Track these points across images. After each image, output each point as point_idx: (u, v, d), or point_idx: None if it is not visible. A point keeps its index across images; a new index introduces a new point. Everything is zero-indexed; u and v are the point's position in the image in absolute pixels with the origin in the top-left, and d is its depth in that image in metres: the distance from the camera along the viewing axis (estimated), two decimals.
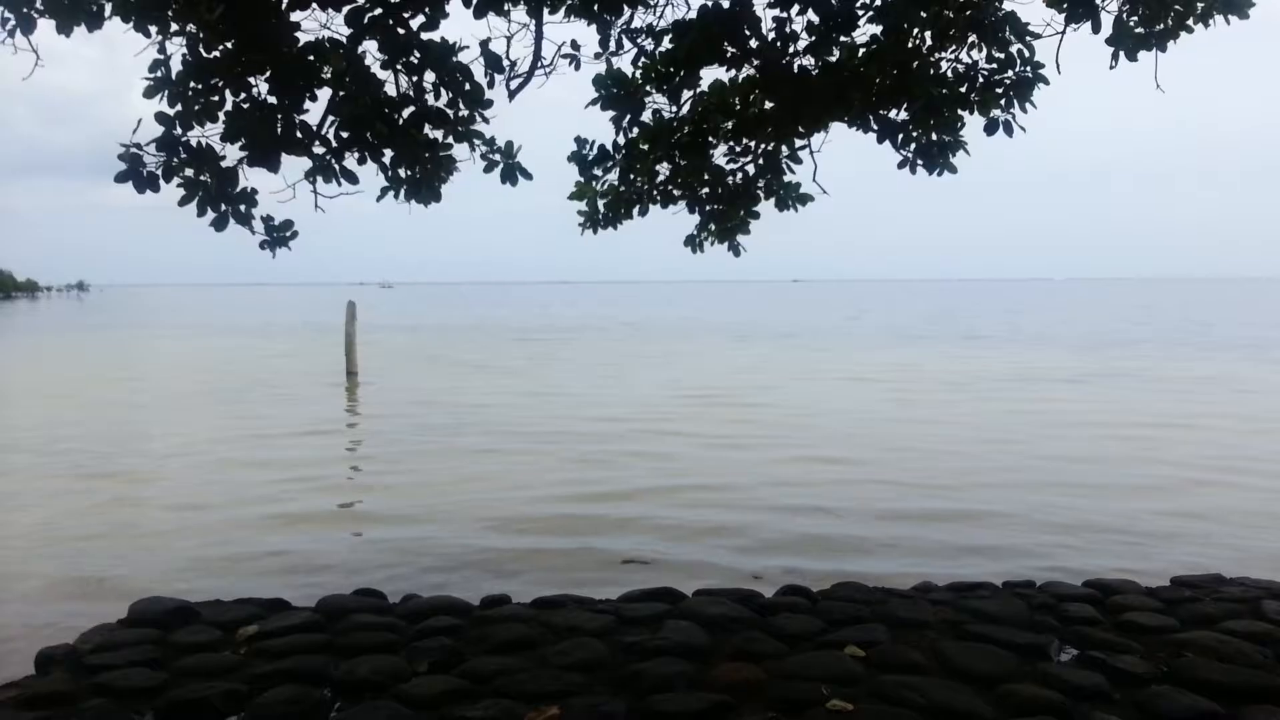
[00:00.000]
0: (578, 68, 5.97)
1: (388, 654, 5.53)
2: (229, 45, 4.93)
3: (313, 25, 5.01)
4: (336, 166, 5.33)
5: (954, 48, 6.23)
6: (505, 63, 5.52)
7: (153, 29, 4.93)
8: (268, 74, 5.00)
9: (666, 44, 6.10)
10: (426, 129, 5.42)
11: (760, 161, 6.90)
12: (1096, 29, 5.76)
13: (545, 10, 5.53)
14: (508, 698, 4.91)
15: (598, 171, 6.67)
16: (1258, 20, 6.21)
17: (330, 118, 5.23)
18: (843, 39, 5.99)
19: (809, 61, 6.10)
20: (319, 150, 5.27)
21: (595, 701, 4.86)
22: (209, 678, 5.18)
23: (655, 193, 6.88)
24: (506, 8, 5.25)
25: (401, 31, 5.05)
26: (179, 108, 5.00)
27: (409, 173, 5.60)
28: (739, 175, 6.95)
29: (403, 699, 4.93)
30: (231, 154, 5.14)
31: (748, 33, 5.87)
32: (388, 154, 5.46)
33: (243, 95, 5.06)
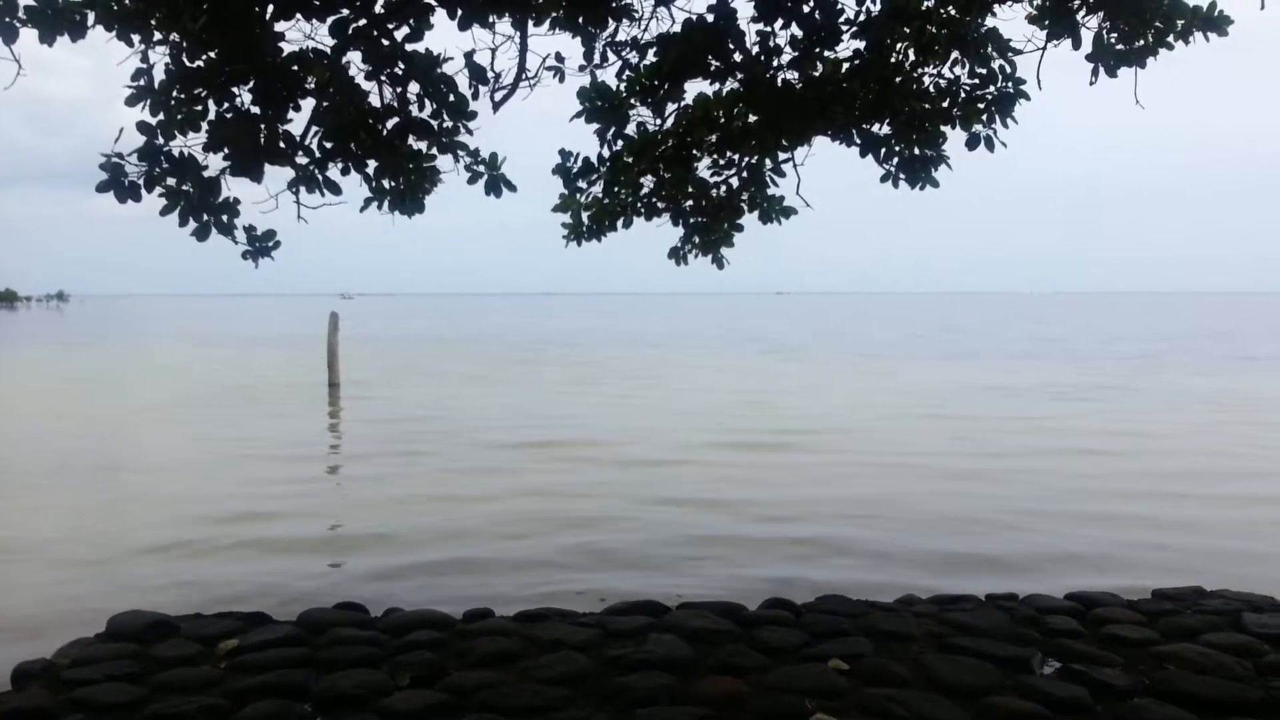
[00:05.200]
0: (562, 80, 5.99)
1: (369, 668, 5.49)
2: (212, 55, 4.91)
3: (297, 35, 5.01)
4: (320, 177, 5.32)
5: (936, 63, 6.29)
6: (490, 74, 5.54)
7: (135, 38, 4.91)
8: (251, 84, 4.99)
9: (651, 57, 6.13)
10: (410, 140, 5.42)
11: (744, 174, 6.93)
12: (1077, 45, 5.82)
13: (530, 23, 5.54)
14: (490, 712, 4.88)
15: (582, 184, 6.69)
16: (1240, 38, 6.28)
17: (314, 128, 5.22)
18: (826, 53, 6.03)
19: (792, 75, 6.14)
20: (302, 160, 5.26)
21: (578, 716, 4.84)
22: (189, 693, 5.12)
23: (639, 205, 6.90)
24: (491, 20, 5.26)
25: (386, 42, 5.06)
26: (161, 117, 4.98)
27: (393, 184, 5.59)
28: (723, 188, 6.98)
29: (384, 713, 4.90)
30: (214, 164, 5.13)
31: (731, 46, 5.90)
32: (371, 165, 5.45)
33: (226, 105, 5.05)
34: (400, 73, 5.22)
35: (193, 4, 4.70)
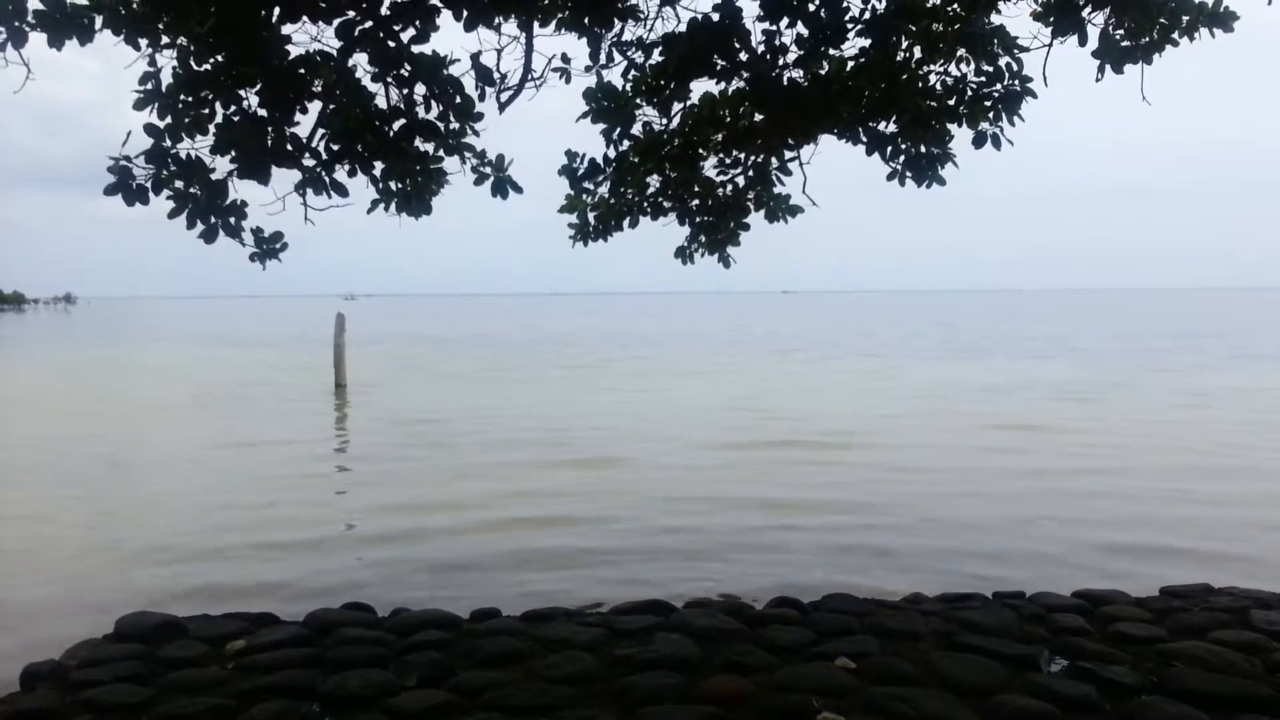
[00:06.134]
0: (568, 81, 5.99)
1: (376, 668, 5.51)
2: (219, 58, 4.93)
3: (303, 38, 5.02)
4: (327, 179, 5.33)
5: (942, 61, 6.28)
6: (495, 75, 5.54)
7: (143, 42, 4.93)
8: (258, 86, 5.00)
9: (656, 57, 6.12)
10: (417, 141, 5.42)
11: (750, 173, 6.93)
12: (1083, 42, 5.81)
13: (536, 23, 5.54)
14: (497, 712, 4.89)
15: (588, 184, 6.68)
16: (1246, 34, 6.26)
17: (320, 130, 5.23)
18: (832, 52, 6.02)
19: (798, 74, 6.13)
20: (309, 162, 5.27)
21: (585, 715, 4.84)
22: (196, 693, 5.14)
23: (646, 205, 6.90)
24: (497, 21, 5.26)
25: (392, 44, 5.06)
26: (169, 120, 4.99)
27: (400, 185, 5.60)
28: (729, 187, 6.98)
29: (392, 713, 4.91)
30: (221, 166, 5.14)
31: (737, 45, 5.89)
32: (378, 166, 5.46)
33: (233, 108, 5.06)
34: (406, 74, 5.23)
35: (200, 7, 4.71)
